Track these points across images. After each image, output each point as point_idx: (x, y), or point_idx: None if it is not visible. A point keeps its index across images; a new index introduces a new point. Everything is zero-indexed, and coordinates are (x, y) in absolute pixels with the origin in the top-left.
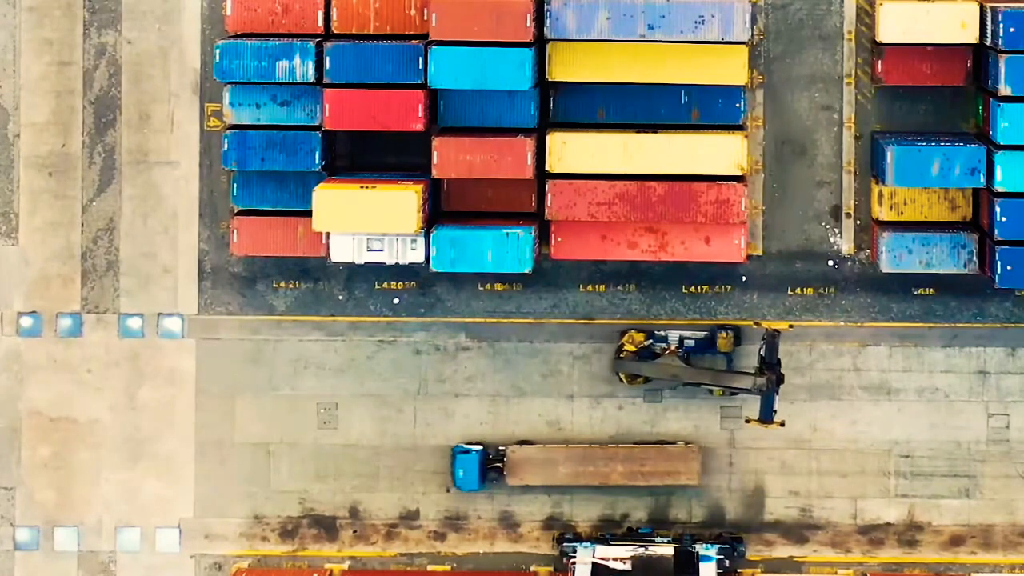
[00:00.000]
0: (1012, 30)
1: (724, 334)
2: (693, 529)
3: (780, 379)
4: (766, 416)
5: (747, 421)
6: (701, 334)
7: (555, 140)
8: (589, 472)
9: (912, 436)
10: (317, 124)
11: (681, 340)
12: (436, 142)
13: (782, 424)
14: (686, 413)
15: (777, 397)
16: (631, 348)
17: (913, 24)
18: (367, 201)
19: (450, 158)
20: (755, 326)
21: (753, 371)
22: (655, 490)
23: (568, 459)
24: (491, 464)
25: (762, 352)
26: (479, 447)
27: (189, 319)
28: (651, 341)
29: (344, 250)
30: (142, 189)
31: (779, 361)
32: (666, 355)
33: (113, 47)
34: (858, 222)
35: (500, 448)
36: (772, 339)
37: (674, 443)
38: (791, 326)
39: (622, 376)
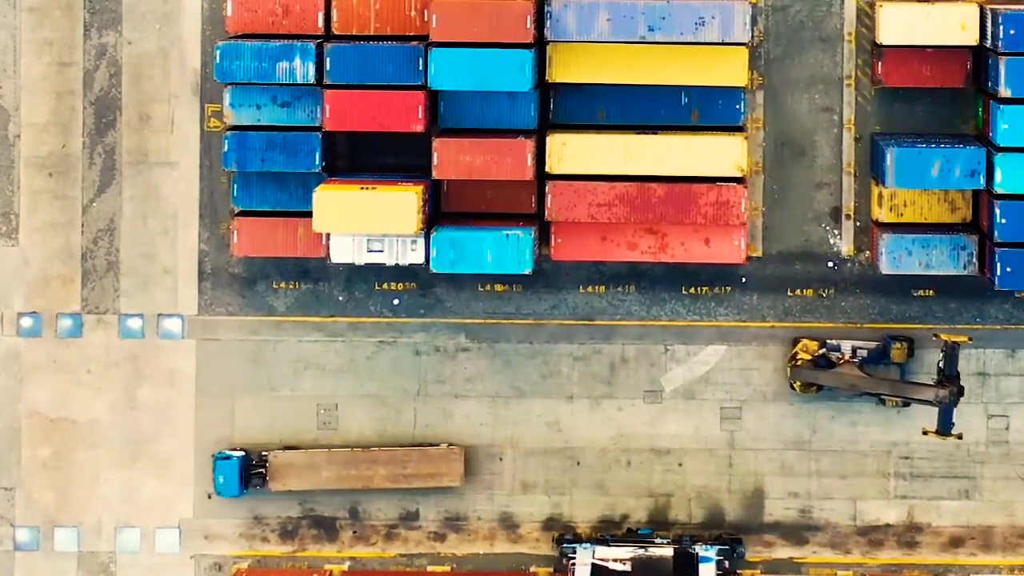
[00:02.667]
0: (1012, 32)
1: (898, 344)
2: (692, 530)
3: (960, 391)
4: (945, 428)
5: (924, 433)
6: (873, 344)
7: (555, 141)
8: (352, 476)
9: (912, 437)
10: (317, 125)
11: (854, 349)
12: (436, 143)
13: (959, 436)
14: (686, 414)
15: (956, 409)
16: (806, 356)
17: (913, 26)
18: (367, 202)
19: (450, 159)
20: (934, 338)
21: (932, 382)
22: (655, 491)
23: (331, 463)
24: (253, 470)
25: (941, 364)
26: (240, 453)
27: (189, 320)
28: (824, 350)
29: (344, 251)
30: (142, 190)
31: (958, 373)
32: (843, 364)
33: (113, 48)
34: (858, 223)
35: (263, 453)
36: (952, 351)
37: (437, 445)
38: (970, 339)
39: (795, 384)
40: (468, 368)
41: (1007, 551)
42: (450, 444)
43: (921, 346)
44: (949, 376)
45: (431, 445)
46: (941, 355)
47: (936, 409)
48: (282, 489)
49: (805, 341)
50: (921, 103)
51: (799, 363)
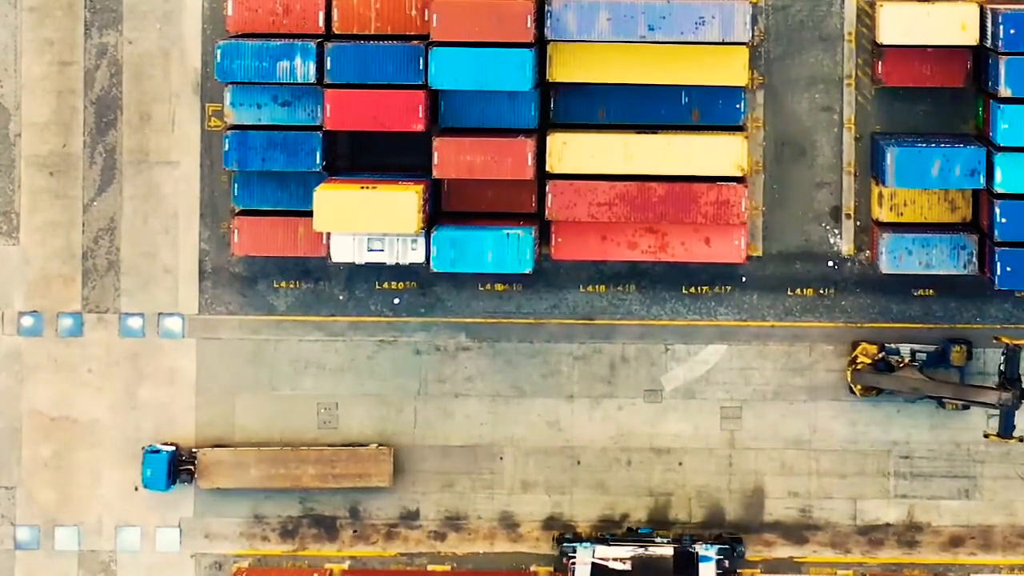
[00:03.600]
0: (1012, 32)
1: (958, 347)
2: (693, 529)
3: (1022, 394)
4: (1006, 431)
5: (985, 436)
6: (932, 347)
7: (555, 141)
8: (281, 474)
9: (912, 437)
10: (318, 124)
11: (913, 353)
12: (436, 142)
13: (1021, 439)
14: (686, 414)
15: (1017, 412)
16: (865, 360)
17: (913, 25)
18: (368, 201)
19: (450, 158)
20: (994, 341)
21: (995, 385)
22: (655, 490)
23: (260, 461)
24: (183, 466)
25: (1002, 367)
26: (171, 447)
27: (190, 319)
28: (883, 353)
29: (345, 250)
30: (143, 189)
31: (1020, 376)
32: (904, 368)
33: (114, 47)
34: (858, 223)
35: (193, 450)
36: (1013, 353)
37: (366, 445)
38: None
39: (855, 387)
40: (468, 367)
41: (1007, 550)
42: (380, 444)
43: (980, 349)
44: (1011, 379)
45: (361, 445)
46: (1002, 358)
47: (996, 412)
48: (210, 486)
49: (864, 345)
50: (921, 103)
51: (859, 367)
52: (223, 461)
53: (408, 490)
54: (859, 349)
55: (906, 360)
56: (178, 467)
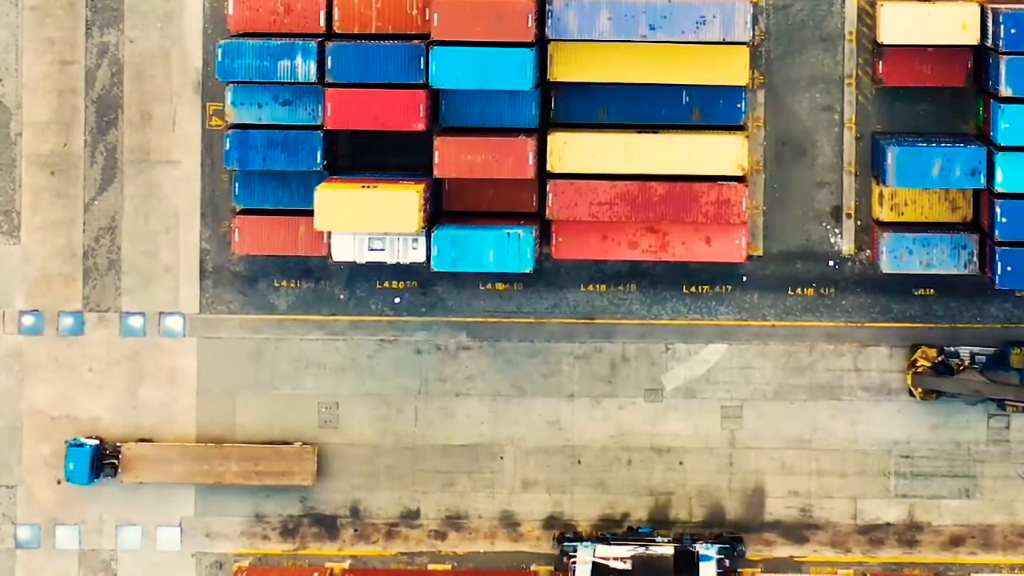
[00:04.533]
0: (1013, 31)
1: (1017, 350)
2: (693, 529)
3: None
4: None
5: None
6: (991, 349)
7: (556, 140)
8: (204, 471)
9: (912, 436)
10: (319, 124)
11: (972, 355)
12: (437, 142)
13: None
14: (686, 413)
15: None
16: (926, 364)
17: (914, 25)
18: (368, 201)
19: (451, 158)
20: None
21: None
22: (656, 490)
23: (183, 457)
24: (106, 460)
25: None
26: (95, 441)
27: (190, 318)
28: (943, 356)
29: (345, 249)
30: (144, 188)
31: None
32: (964, 370)
33: (115, 46)
34: (859, 223)
35: (117, 444)
36: None
37: (291, 444)
38: None
39: (916, 390)
40: (469, 367)
41: (1007, 550)
42: (303, 443)
43: None
44: None
45: (284, 443)
46: None
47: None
48: (133, 480)
49: (924, 348)
50: (922, 102)
51: (920, 370)
52: (147, 456)
53: (409, 489)
54: (918, 352)
55: (966, 363)
56: (102, 461)
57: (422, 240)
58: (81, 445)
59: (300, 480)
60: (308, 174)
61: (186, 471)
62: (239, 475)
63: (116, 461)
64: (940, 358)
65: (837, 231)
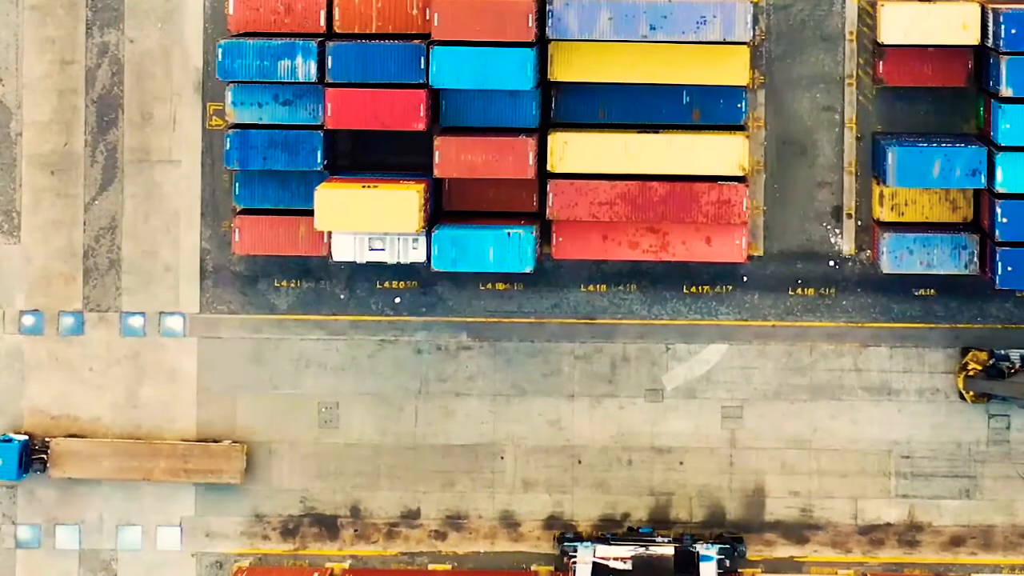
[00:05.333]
0: (1013, 31)
1: None
2: (693, 529)
3: None
4: None
5: None
6: None
7: (557, 140)
8: (133, 467)
9: (913, 437)
10: (319, 123)
11: (1022, 358)
12: (438, 142)
13: None
14: (687, 413)
15: None
16: (976, 367)
17: (914, 25)
18: (369, 200)
19: (452, 158)
20: None
21: None
22: (656, 490)
23: (113, 453)
24: (35, 455)
25: None
26: (23, 437)
27: (191, 318)
28: (994, 360)
29: (346, 249)
30: (144, 188)
31: None
32: (1017, 373)
33: (115, 46)
34: (859, 223)
35: (46, 439)
36: None
37: (219, 441)
38: None
39: (967, 394)
40: (469, 367)
41: (1008, 550)
42: (234, 441)
43: None
44: None
45: (214, 441)
46: None
47: None
48: (61, 476)
49: (974, 351)
50: (922, 102)
51: (971, 374)
52: (76, 452)
53: (409, 489)
54: (969, 356)
55: (1016, 366)
56: (31, 456)
57: (422, 240)
58: (9, 440)
59: (229, 478)
60: (308, 174)
61: (115, 467)
62: (168, 472)
63: (45, 456)
64: (991, 361)
65: (838, 231)
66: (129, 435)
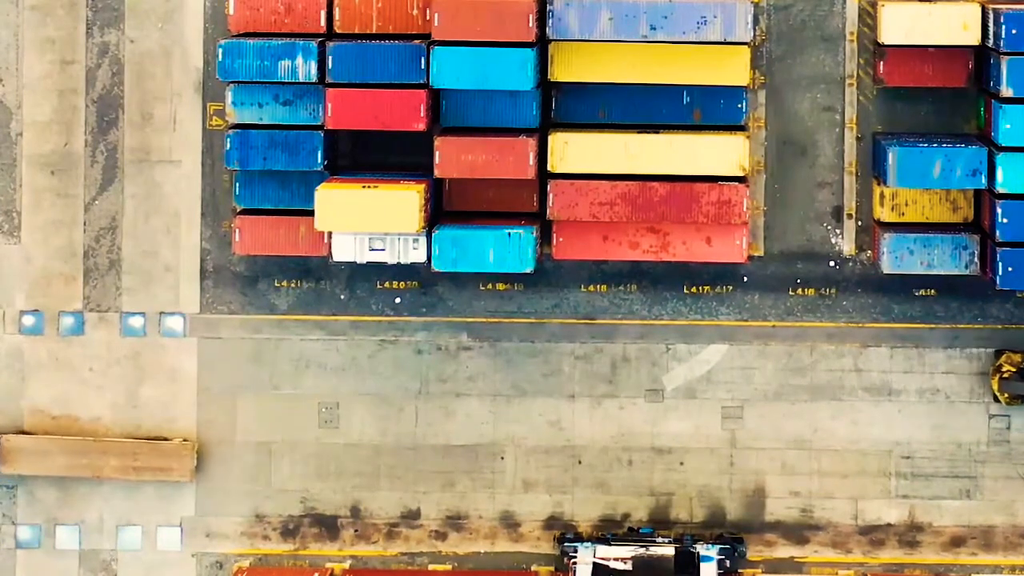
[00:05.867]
0: (1014, 32)
1: None
2: (694, 529)
3: None
4: None
5: None
6: None
7: (557, 140)
8: (83, 464)
9: (913, 437)
10: (319, 124)
11: None
12: (438, 142)
13: None
14: (687, 413)
15: None
16: (1011, 369)
17: (915, 25)
18: (369, 201)
19: (452, 158)
20: None
21: None
22: (656, 490)
23: (63, 451)
24: None
25: None
26: None
27: (191, 318)
28: None
29: (346, 249)
30: (144, 188)
31: None
32: None
33: (116, 46)
34: (859, 223)
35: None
36: None
37: (169, 440)
38: None
39: (1002, 396)
40: (470, 367)
41: (1008, 551)
42: (184, 439)
43: None
44: None
45: (164, 439)
46: None
47: None
48: (11, 472)
49: (1008, 353)
50: (923, 103)
51: (1006, 375)
52: (26, 448)
53: (410, 489)
54: (1003, 358)
55: None
56: None
57: (423, 240)
58: None
59: (178, 476)
60: (309, 174)
61: (65, 464)
62: (117, 470)
63: None
64: None
65: (838, 231)
66: (129, 435)
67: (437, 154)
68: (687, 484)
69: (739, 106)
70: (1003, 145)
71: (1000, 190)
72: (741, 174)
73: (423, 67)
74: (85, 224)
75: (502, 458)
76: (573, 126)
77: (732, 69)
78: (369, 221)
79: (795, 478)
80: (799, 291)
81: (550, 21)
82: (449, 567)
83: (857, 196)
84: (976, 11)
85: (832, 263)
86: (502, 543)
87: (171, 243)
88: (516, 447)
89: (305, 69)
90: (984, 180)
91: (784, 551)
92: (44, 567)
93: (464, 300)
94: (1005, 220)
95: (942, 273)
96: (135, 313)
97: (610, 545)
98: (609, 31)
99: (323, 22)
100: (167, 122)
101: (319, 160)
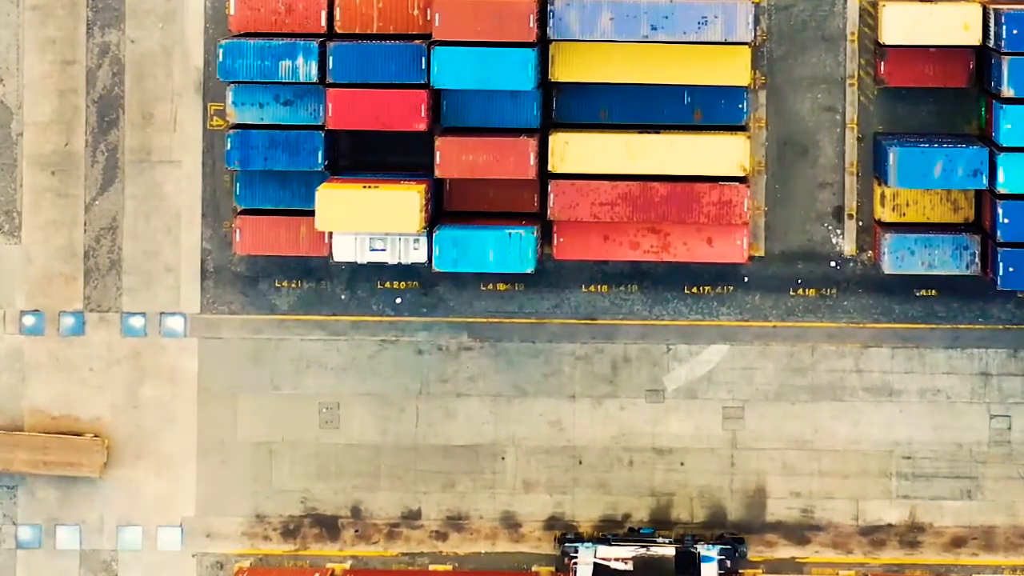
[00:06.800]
0: (1015, 32)
1: None
2: (694, 530)
3: None
4: None
5: None
6: None
7: (558, 140)
8: None
9: (914, 437)
10: (320, 124)
11: None
12: (439, 142)
13: None
14: (688, 414)
15: None
16: None
17: (915, 25)
18: (369, 201)
19: (453, 158)
20: None
21: None
22: (657, 491)
23: None
24: None
25: None
26: None
27: (191, 318)
28: None
29: (346, 250)
30: (145, 188)
31: None
32: None
33: (116, 46)
34: (860, 223)
35: None
36: None
37: (81, 435)
38: None
39: None
40: (470, 367)
41: (1009, 551)
42: (95, 435)
43: None
44: None
45: (76, 435)
46: None
47: None
48: None
49: None
50: (924, 103)
51: None
52: None
53: (410, 489)
54: None
55: None
56: None
57: (423, 240)
58: None
59: (88, 472)
60: (309, 174)
61: None
62: (27, 464)
63: None
64: None
65: (839, 232)
66: (129, 435)
67: (438, 154)
68: (688, 484)
69: (740, 106)
70: (1004, 145)
71: (1001, 190)
72: (742, 174)
73: (424, 67)
74: (85, 224)
75: (503, 458)
76: (574, 126)
77: (733, 69)
78: (370, 221)
79: (796, 478)
80: (800, 291)
81: (551, 21)
82: (450, 567)
83: (858, 196)
84: (977, 11)
85: (833, 263)
86: (503, 543)
87: (172, 243)
88: (517, 447)
89: (306, 69)
90: (985, 180)
91: (785, 551)
92: (44, 567)
93: (465, 300)
94: (1006, 220)
95: (943, 273)
96: (135, 313)
97: (611, 545)
98: (610, 31)
99: (324, 22)
100: (168, 122)
101: (320, 160)
